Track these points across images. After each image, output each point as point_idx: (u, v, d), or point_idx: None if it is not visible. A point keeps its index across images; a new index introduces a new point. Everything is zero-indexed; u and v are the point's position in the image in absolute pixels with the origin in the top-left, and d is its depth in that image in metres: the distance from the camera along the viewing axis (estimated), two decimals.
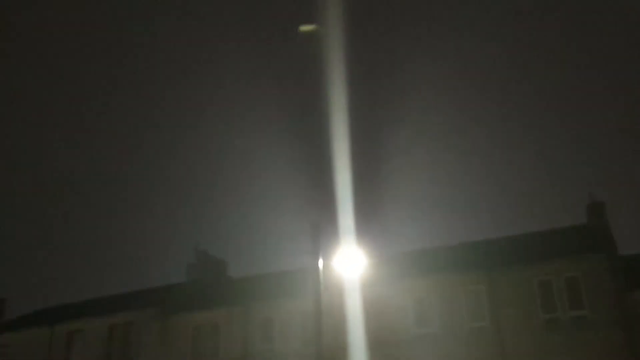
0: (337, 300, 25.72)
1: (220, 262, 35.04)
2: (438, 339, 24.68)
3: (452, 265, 26.60)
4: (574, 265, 23.93)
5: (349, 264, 17.59)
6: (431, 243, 30.87)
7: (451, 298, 25.12)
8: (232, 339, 28.06)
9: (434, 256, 28.70)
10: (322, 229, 17.84)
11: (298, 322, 27.20)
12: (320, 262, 17.55)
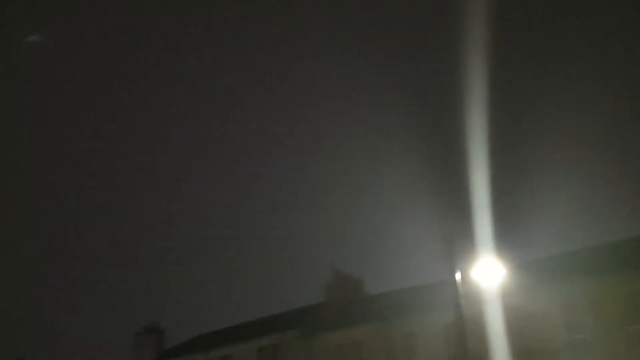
0: (478, 311, 25.13)
1: (356, 279, 35.12)
2: (591, 346, 23.35)
3: (600, 266, 25.13)
4: None
5: (488, 273, 17.26)
6: (571, 246, 29.16)
7: (603, 301, 23.71)
8: (375, 356, 28.08)
9: (578, 259, 27.24)
10: (458, 237, 17.61)
11: (441, 335, 26.72)
12: (458, 274, 17.37)
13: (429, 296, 29.25)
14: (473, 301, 24.84)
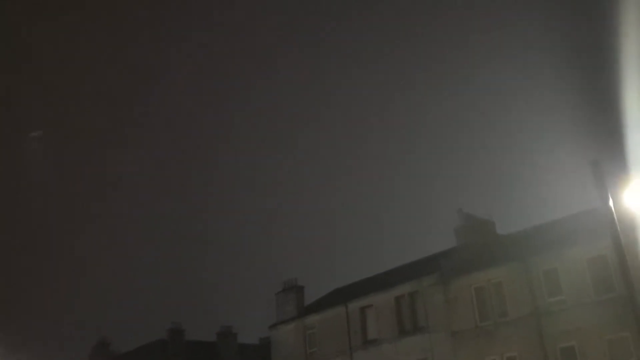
0: (633, 241, 23.68)
1: (487, 222, 34.50)
2: None
3: None
4: None
5: None
6: None
7: None
8: (517, 296, 27.36)
9: None
10: (605, 164, 16.48)
11: (585, 269, 25.61)
12: (611, 201, 16.37)
13: (568, 230, 28.23)
14: (627, 230, 23.29)
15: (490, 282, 28.51)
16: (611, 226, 15.42)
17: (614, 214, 15.51)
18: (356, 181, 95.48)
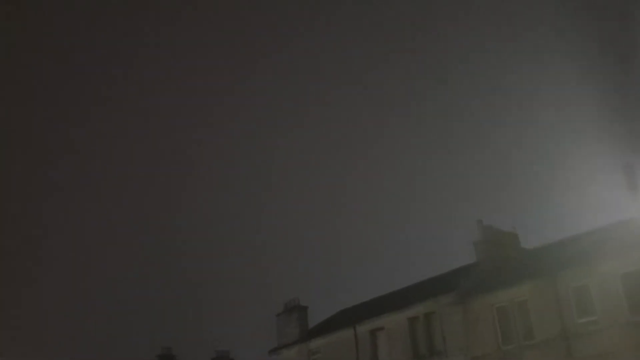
0: None
1: (510, 234, 32.99)
2: None
3: None
4: None
5: None
6: None
7: None
8: (544, 316, 25.85)
9: None
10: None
11: (619, 286, 23.97)
12: None
13: (600, 242, 26.77)
14: None
15: (514, 301, 27.20)
16: None
17: None
18: (364, 189, 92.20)
